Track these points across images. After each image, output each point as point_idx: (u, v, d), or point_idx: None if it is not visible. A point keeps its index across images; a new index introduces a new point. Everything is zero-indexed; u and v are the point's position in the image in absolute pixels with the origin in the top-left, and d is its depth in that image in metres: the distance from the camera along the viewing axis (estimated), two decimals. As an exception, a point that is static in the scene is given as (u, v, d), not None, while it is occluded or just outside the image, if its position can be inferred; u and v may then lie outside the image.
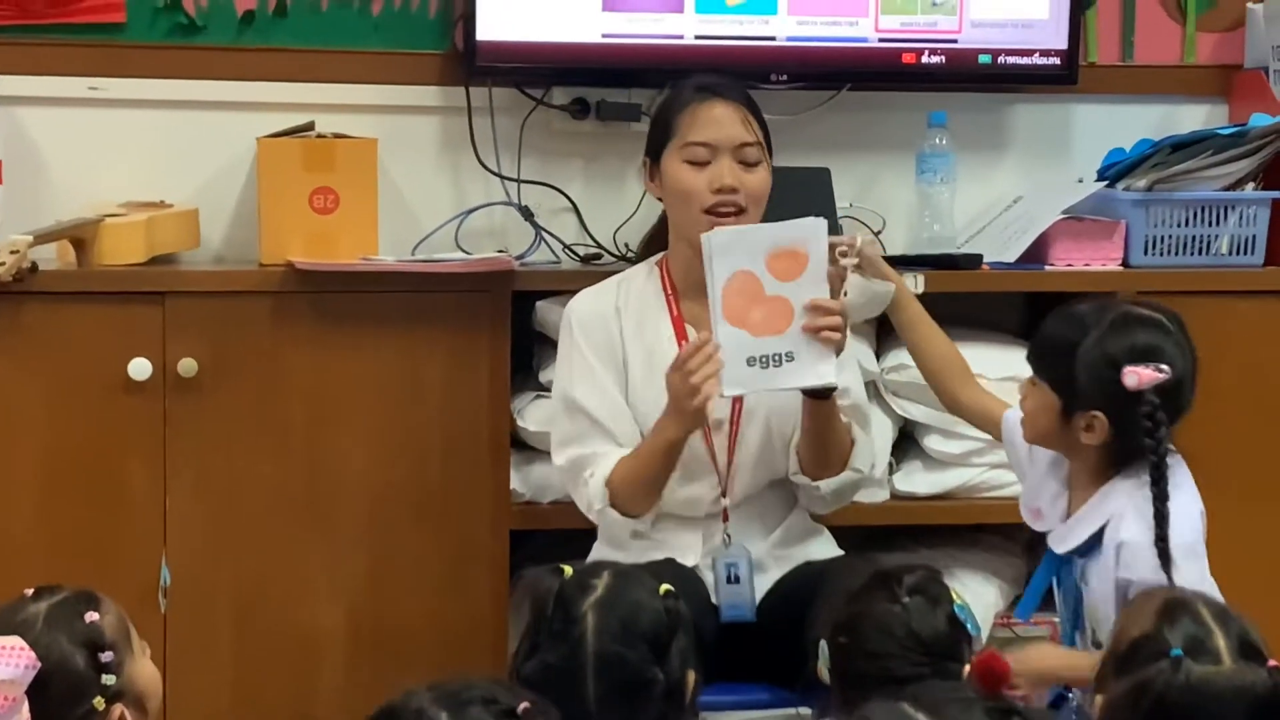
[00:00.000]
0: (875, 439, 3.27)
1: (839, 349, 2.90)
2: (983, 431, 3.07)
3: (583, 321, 3.09)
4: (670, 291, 3.10)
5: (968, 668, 2.38)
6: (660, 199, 3.10)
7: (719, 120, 3.02)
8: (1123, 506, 2.63)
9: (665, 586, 2.32)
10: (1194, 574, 2.57)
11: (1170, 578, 2.54)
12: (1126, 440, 2.61)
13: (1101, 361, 2.59)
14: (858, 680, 2.38)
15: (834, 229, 3.50)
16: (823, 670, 2.46)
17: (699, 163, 3.01)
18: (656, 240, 3.21)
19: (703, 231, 2.92)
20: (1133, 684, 2.07)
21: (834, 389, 2.94)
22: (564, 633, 2.24)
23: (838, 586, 2.67)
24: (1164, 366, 2.58)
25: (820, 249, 2.90)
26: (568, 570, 2.32)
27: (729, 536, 3.05)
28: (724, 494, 3.06)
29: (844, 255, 2.94)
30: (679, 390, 2.86)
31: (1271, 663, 2.07)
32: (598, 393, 3.02)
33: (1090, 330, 2.62)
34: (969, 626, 2.46)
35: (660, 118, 3.08)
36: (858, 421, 3.07)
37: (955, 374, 3.03)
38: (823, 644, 2.45)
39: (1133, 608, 2.23)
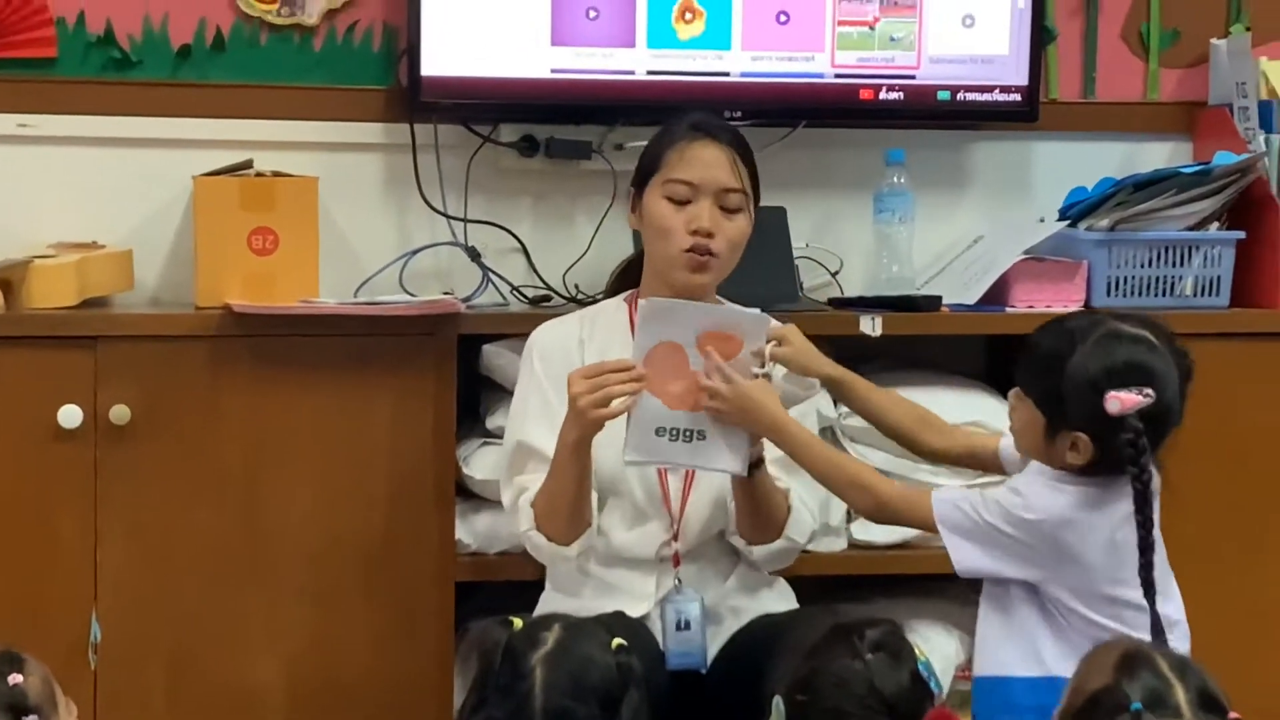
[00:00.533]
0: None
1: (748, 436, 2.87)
2: (979, 470, 3.01)
3: (544, 352, 3.05)
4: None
5: None
6: (638, 231, 3.07)
7: (706, 161, 2.99)
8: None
9: (618, 641, 2.28)
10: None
11: (1153, 605, 2.53)
12: (1110, 461, 2.58)
13: (1085, 383, 2.56)
14: None
15: (790, 269, 3.46)
16: None
17: (679, 201, 2.98)
18: (628, 275, 3.17)
19: (677, 269, 2.94)
20: None
21: (757, 465, 2.91)
22: (511, 687, 2.21)
23: (794, 641, 2.60)
24: (1148, 391, 2.54)
25: (756, 344, 2.87)
26: (517, 623, 2.28)
27: (679, 581, 3.00)
28: (675, 538, 3.01)
29: (760, 365, 2.89)
30: (583, 398, 2.82)
31: (1232, 715, 2.05)
32: (554, 436, 2.95)
33: (1076, 347, 2.58)
34: (932, 684, 2.40)
35: (650, 150, 3.05)
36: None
37: (925, 429, 2.98)
38: (777, 700, 2.38)
39: (1091, 658, 2.19)
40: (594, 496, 2.97)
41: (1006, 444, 2.82)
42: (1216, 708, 2.06)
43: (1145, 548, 2.55)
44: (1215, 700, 2.07)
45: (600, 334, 3.07)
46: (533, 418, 3.01)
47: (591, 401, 2.82)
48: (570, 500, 2.93)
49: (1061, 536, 2.60)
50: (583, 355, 3.03)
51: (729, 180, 2.98)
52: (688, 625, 2.96)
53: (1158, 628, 2.55)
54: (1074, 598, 2.62)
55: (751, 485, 2.93)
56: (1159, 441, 2.59)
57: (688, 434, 2.86)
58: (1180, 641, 2.62)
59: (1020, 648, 2.66)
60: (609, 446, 2.91)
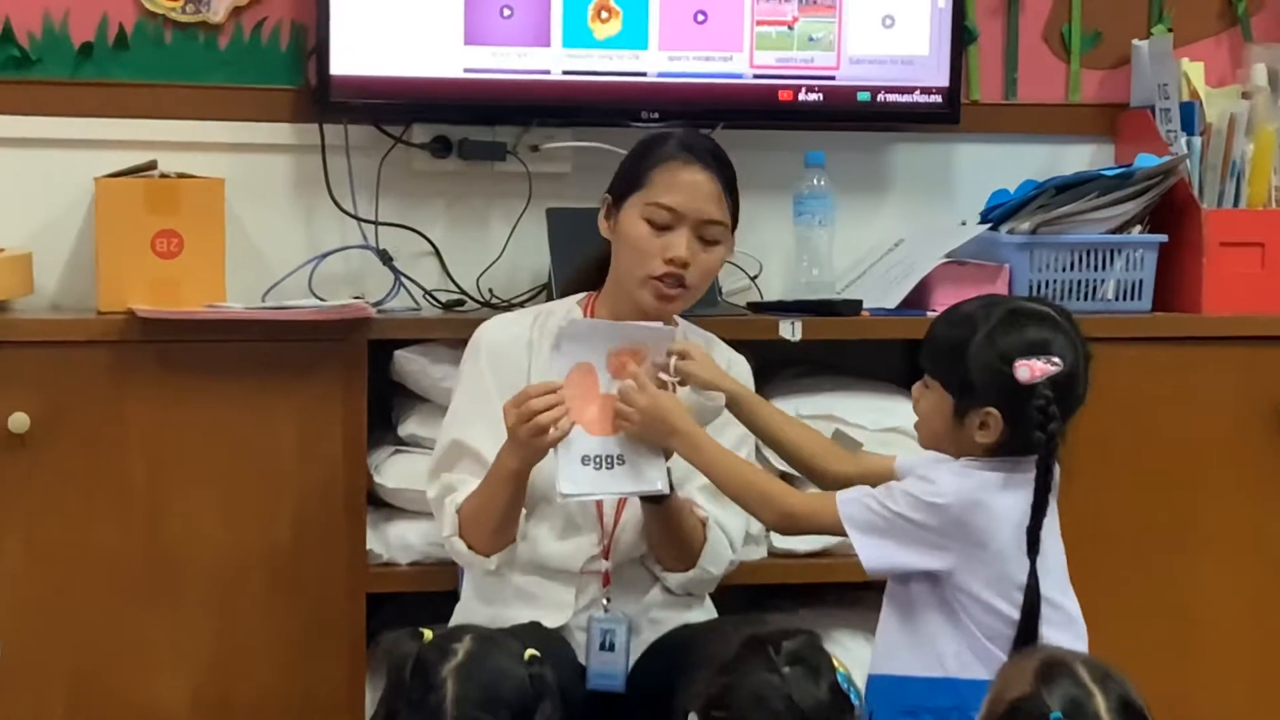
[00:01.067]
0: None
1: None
2: None
3: (493, 349, 2.99)
4: None
5: None
6: (609, 239, 3.00)
7: (693, 189, 2.92)
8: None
9: (531, 652, 2.26)
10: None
11: (1034, 565, 2.55)
12: (1019, 437, 2.57)
13: (993, 356, 2.57)
14: None
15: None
16: None
17: (659, 225, 2.91)
18: (583, 278, 3.10)
19: (644, 294, 2.90)
20: None
21: (666, 495, 2.87)
22: (423, 700, 2.19)
23: (710, 653, 2.54)
24: (1056, 359, 2.56)
25: (660, 357, 2.84)
26: (427, 634, 2.26)
27: (608, 601, 2.95)
28: (606, 555, 2.96)
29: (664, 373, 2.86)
30: (520, 428, 2.77)
31: None
32: (493, 438, 2.89)
33: (979, 327, 2.60)
34: (852, 695, 2.34)
35: (634, 163, 2.98)
36: (725, 498, 2.96)
37: (824, 453, 2.94)
38: (692, 717, 2.31)
39: (1011, 666, 2.18)
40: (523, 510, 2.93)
41: (903, 461, 2.80)
42: (1136, 716, 2.07)
43: (1037, 510, 2.56)
44: (1135, 708, 2.07)
45: (550, 338, 2.99)
46: (472, 416, 2.95)
47: (529, 431, 2.76)
48: (500, 518, 2.88)
49: (971, 519, 2.58)
50: (530, 357, 2.98)
51: (713, 212, 2.93)
52: (611, 646, 2.92)
53: (1034, 590, 2.55)
54: (985, 587, 2.59)
55: (663, 511, 2.89)
56: (1066, 417, 2.58)
57: (609, 460, 2.81)
58: (1077, 641, 2.60)
59: (920, 648, 2.64)
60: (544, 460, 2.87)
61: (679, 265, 2.90)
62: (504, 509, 2.87)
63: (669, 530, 2.92)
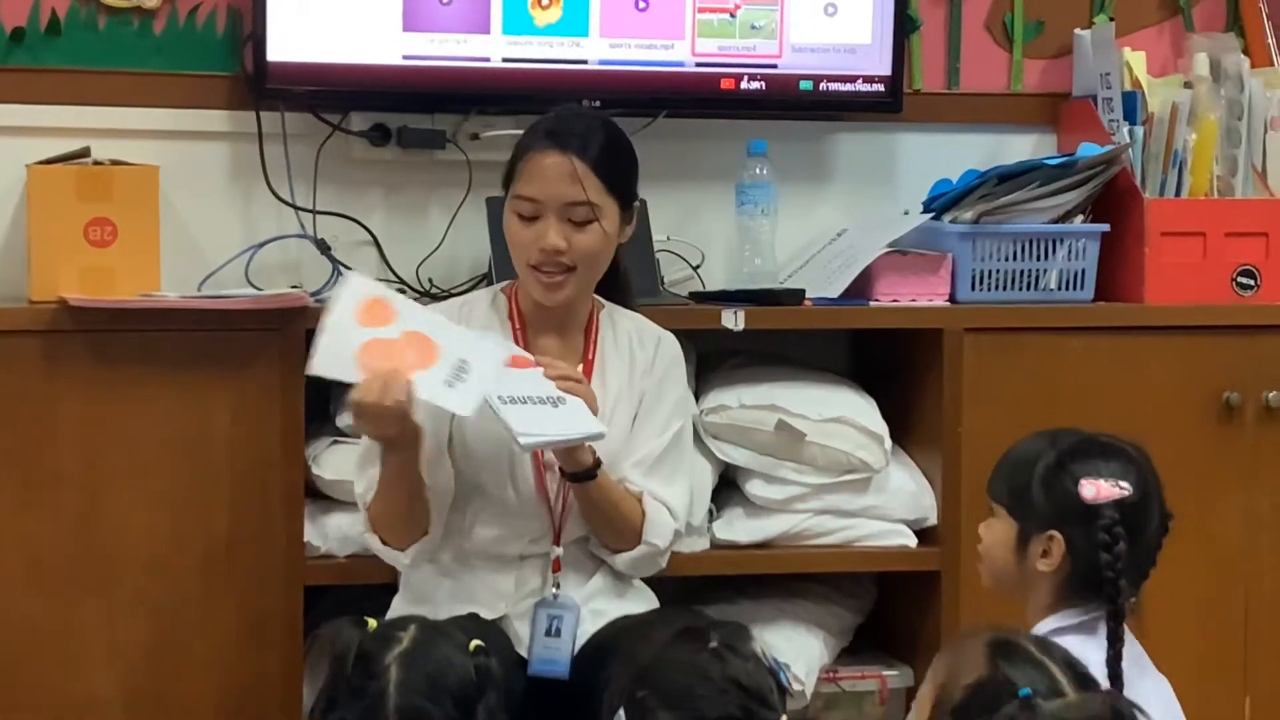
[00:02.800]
0: (695, 485, 3.17)
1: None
2: None
3: None
4: (517, 322, 3.02)
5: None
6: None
7: (546, 175, 2.92)
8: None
9: (476, 643, 2.25)
10: None
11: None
12: (1080, 566, 2.51)
13: (1059, 476, 2.54)
14: None
15: (651, 262, 3.40)
16: None
17: (526, 217, 2.93)
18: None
19: (531, 287, 2.94)
20: None
21: (594, 470, 2.86)
22: (364, 688, 2.18)
23: (640, 647, 2.50)
24: (1124, 484, 2.51)
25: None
26: (371, 623, 2.25)
27: (558, 586, 2.93)
28: (557, 541, 2.95)
29: None
30: (366, 397, 2.76)
31: (1104, 687, 2.07)
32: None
33: (1049, 449, 2.57)
34: (782, 677, 2.30)
35: (511, 158, 3.00)
36: (661, 472, 2.98)
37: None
38: (618, 715, 2.24)
39: (955, 651, 2.13)
40: (443, 500, 2.91)
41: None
42: (1089, 681, 2.06)
43: (1114, 660, 2.45)
44: (1085, 675, 2.07)
45: (477, 327, 3.00)
46: None
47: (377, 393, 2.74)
48: (402, 510, 2.88)
49: None
50: None
51: (574, 194, 2.92)
52: (558, 633, 2.90)
53: None
54: None
55: (596, 491, 2.89)
56: (1135, 558, 2.49)
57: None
58: None
59: None
60: (481, 434, 2.87)
61: (552, 252, 2.90)
62: (403, 499, 2.86)
63: (606, 509, 2.91)
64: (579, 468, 2.87)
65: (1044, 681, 2.02)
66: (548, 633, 2.90)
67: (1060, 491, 2.52)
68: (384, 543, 2.92)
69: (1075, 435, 2.59)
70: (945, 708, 2.05)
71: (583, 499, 2.90)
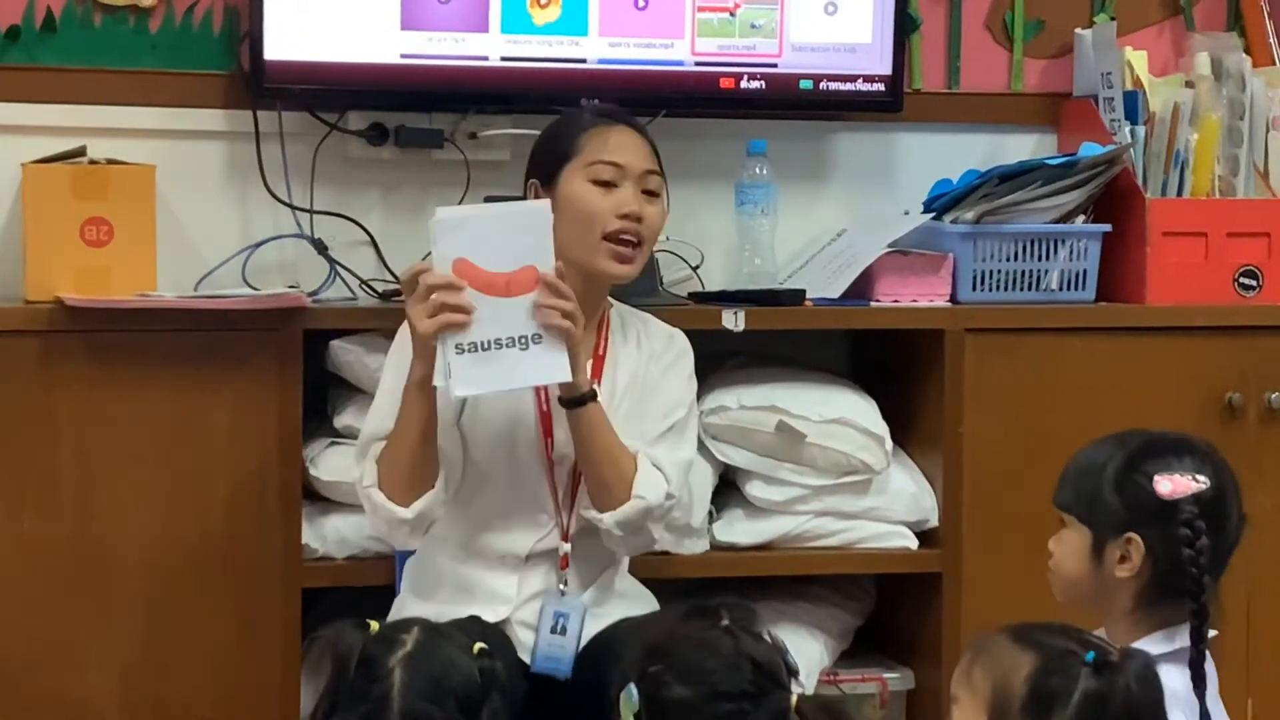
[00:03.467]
0: (696, 482, 3.17)
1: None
2: None
3: None
4: None
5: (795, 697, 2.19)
6: None
7: (627, 145, 2.95)
8: None
9: (480, 645, 2.23)
10: None
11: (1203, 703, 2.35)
12: (1163, 568, 2.42)
13: (1132, 475, 2.44)
14: (674, 711, 2.15)
15: (650, 262, 3.38)
16: None
17: (605, 183, 2.92)
18: None
19: (599, 261, 2.89)
20: (1083, 698, 2.00)
21: (590, 396, 2.81)
22: (367, 690, 2.16)
23: (650, 631, 2.49)
24: (1200, 477, 2.42)
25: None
26: (373, 625, 2.23)
27: (565, 583, 2.92)
28: (565, 537, 2.93)
29: None
30: (423, 321, 2.74)
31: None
32: None
33: (1118, 451, 2.48)
34: (790, 658, 2.26)
35: (557, 140, 2.98)
36: (661, 445, 2.94)
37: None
38: (629, 690, 2.21)
39: (984, 658, 2.09)
40: (454, 468, 2.89)
41: None
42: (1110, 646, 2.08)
43: (1196, 669, 2.36)
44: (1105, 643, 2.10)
45: None
46: (396, 410, 2.88)
47: (430, 308, 2.72)
48: (413, 448, 2.82)
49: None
50: None
51: (651, 163, 2.95)
52: (564, 630, 2.88)
53: None
54: None
55: (586, 421, 2.83)
56: (1216, 552, 2.40)
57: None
58: None
59: None
60: (490, 426, 2.87)
61: (634, 219, 2.90)
62: (416, 436, 2.81)
63: (598, 446, 2.85)
64: (573, 392, 2.83)
65: (1093, 647, 2.03)
66: (553, 630, 2.88)
67: (1134, 491, 2.44)
68: (388, 498, 2.85)
69: (1144, 435, 2.51)
70: (1010, 710, 2.03)
71: (576, 432, 2.85)
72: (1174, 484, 2.42)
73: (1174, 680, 2.29)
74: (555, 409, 2.89)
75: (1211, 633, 2.41)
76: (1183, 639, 2.39)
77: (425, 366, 2.77)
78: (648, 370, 2.99)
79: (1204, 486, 2.42)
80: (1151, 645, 2.39)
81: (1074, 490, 2.51)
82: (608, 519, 2.89)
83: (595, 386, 2.86)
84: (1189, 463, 2.45)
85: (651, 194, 2.94)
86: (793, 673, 2.23)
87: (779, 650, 2.22)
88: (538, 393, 2.91)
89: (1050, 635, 2.08)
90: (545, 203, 2.84)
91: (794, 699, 2.17)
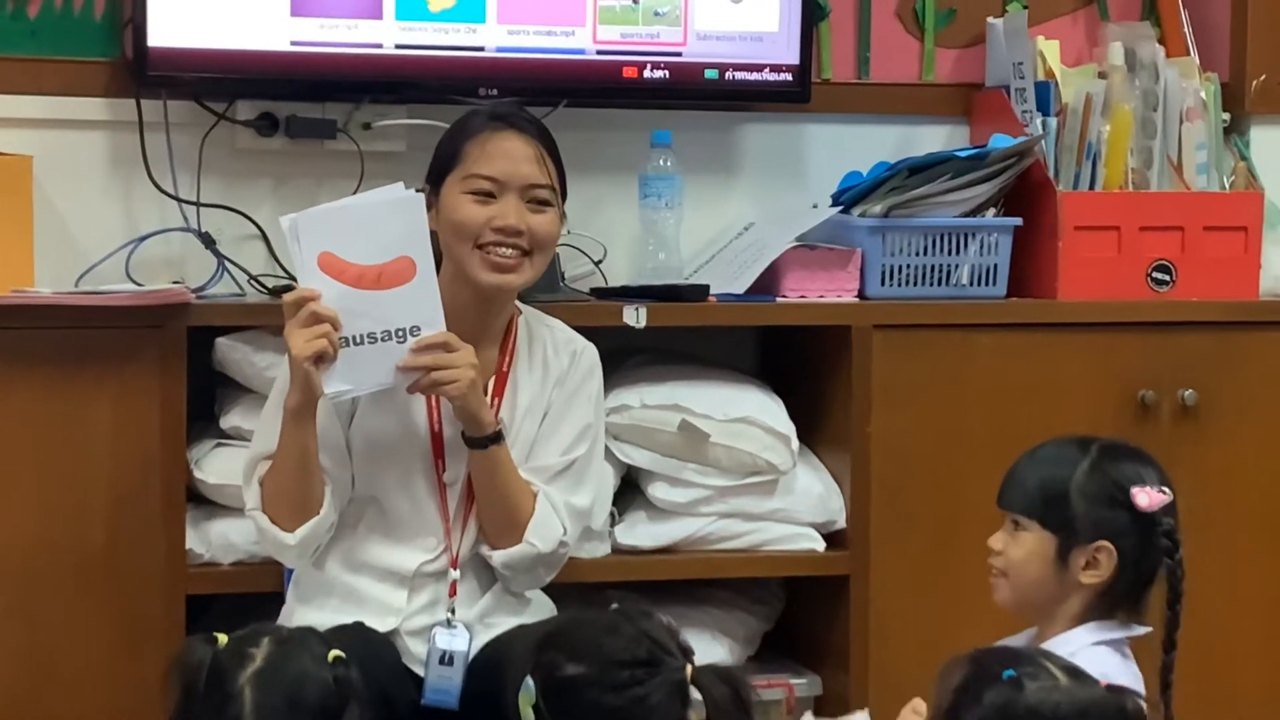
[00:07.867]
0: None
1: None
2: None
3: None
4: None
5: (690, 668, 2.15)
6: (436, 231, 2.90)
7: (510, 154, 2.87)
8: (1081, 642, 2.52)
9: (334, 653, 2.16)
10: None
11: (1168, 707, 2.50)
12: (1129, 573, 2.54)
13: (1105, 487, 2.54)
14: (571, 690, 2.12)
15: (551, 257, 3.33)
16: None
17: (482, 194, 2.85)
18: None
19: (475, 271, 2.83)
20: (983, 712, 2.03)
21: (496, 439, 2.80)
22: (220, 711, 2.09)
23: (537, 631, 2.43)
24: (1166, 489, 2.54)
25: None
26: (222, 639, 2.16)
27: (453, 613, 2.86)
28: (454, 564, 2.87)
29: None
30: (304, 348, 2.71)
31: (1103, 683, 2.07)
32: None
33: (1079, 460, 2.57)
34: (684, 639, 2.22)
35: (446, 143, 2.93)
36: (562, 482, 2.91)
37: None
38: (525, 683, 2.16)
39: (941, 675, 2.11)
40: (341, 490, 2.84)
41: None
42: (1085, 677, 2.07)
43: (1169, 646, 2.52)
44: (1079, 670, 2.09)
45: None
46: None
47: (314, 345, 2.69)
48: (294, 474, 2.78)
49: None
50: None
51: (536, 174, 2.87)
52: (450, 661, 2.83)
53: None
54: None
55: (487, 462, 2.80)
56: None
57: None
58: None
59: None
60: (381, 432, 2.83)
61: (511, 233, 2.83)
62: (296, 463, 2.76)
63: (497, 488, 2.82)
64: (478, 431, 2.79)
65: (1029, 666, 2.03)
66: (440, 660, 2.83)
67: (1107, 502, 2.53)
68: (273, 522, 2.82)
69: (1102, 441, 2.60)
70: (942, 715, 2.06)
71: (476, 471, 2.82)
72: (1149, 497, 2.52)
73: (1107, 663, 2.42)
74: (447, 429, 2.84)
75: (1146, 629, 2.54)
76: (1111, 631, 2.51)
77: (301, 394, 2.72)
78: (552, 396, 2.94)
79: (1169, 498, 2.54)
80: (1085, 634, 2.51)
81: (1037, 495, 2.58)
82: (497, 557, 2.88)
83: (500, 426, 2.81)
84: (1153, 474, 2.56)
85: (540, 203, 2.87)
86: (686, 653, 2.19)
87: (672, 630, 2.20)
88: (430, 412, 2.86)
89: (996, 652, 2.11)
90: (411, 192, 2.79)
91: (689, 670, 2.14)
